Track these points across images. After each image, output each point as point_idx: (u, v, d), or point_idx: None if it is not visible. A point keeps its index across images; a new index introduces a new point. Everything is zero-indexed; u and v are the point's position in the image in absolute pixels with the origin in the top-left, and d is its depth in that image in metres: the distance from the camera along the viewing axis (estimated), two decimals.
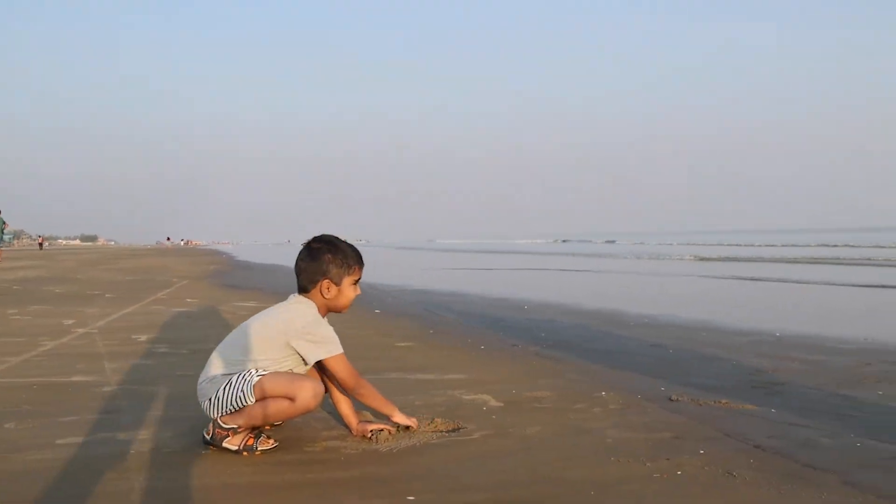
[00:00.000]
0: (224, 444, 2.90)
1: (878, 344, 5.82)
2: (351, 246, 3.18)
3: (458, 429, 3.26)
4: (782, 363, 4.91)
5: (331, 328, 3.07)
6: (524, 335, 6.42)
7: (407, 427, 3.17)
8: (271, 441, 2.97)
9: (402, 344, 5.98)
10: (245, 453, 2.89)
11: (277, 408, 2.87)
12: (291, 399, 2.85)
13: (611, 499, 2.36)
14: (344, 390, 3.12)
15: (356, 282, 3.15)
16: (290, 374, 2.93)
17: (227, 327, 6.82)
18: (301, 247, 3.18)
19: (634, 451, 2.88)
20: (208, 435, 2.94)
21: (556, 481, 2.54)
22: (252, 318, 3.15)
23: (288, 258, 33.30)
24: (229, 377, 2.91)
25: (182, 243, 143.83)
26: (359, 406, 3.23)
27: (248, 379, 2.88)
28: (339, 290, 3.10)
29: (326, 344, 3.01)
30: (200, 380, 3.02)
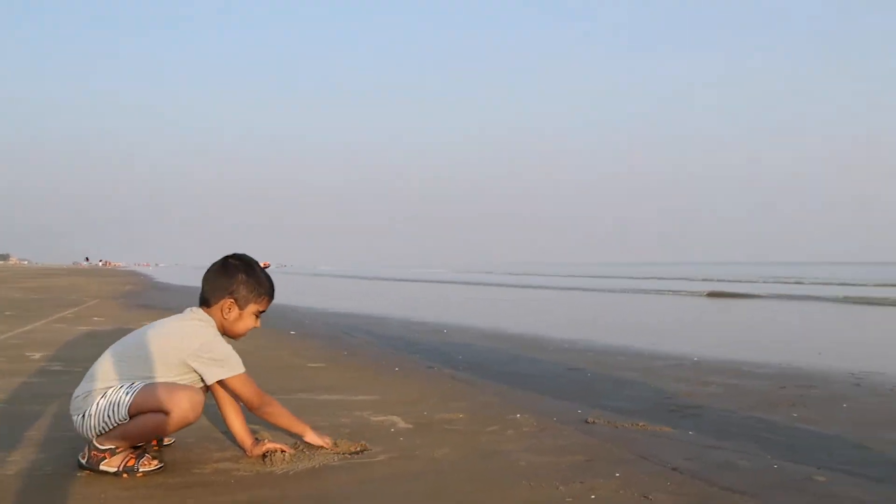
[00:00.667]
0: (101, 468, 2.60)
1: (792, 368, 5.84)
2: (268, 276, 2.94)
3: (363, 451, 3.04)
4: (699, 387, 4.85)
5: (229, 346, 2.81)
6: (441, 358, 6.24)
7: (319, 447, 2.95)
8: (155, 462, 2.68)
9: (314, 365, 5.72)
10: (125, 475, 2.60)
11: (154, 422, 2.58)
12: (167, 412, 2.57)
13: None
14: (250, 410, 2.85)
15: (260, 313, 2.91)
16: (165, 386, 2.62)
17: None
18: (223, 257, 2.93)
19: (547, 475, 2.70)
20: (83, 459, 2.64)
21: None
22: (144, 329, 2.84)
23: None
24: (104, 391, 2.61)
25: (100, 264, 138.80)
26: (268, 427, 2.99)
27: (121, 393, 2.59)
28: (239, 315, 2.85)
29: (227, 362, 2.73)
30: (76, 393, 2.69)
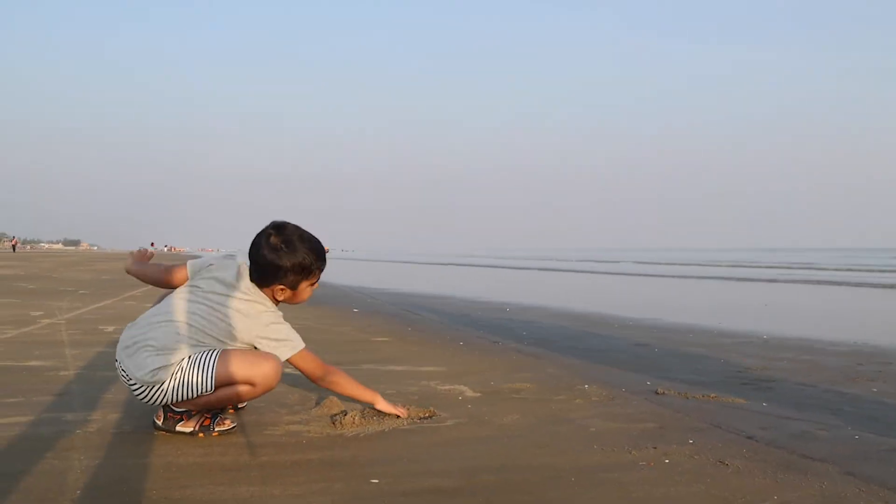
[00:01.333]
0: (178, 429, 2.66)
1: (868, 347, 5.66)
2: (313, 247, 2.80)
3: (431, 416, 3.05)
4: (771, 363, 4.73)
5: (288, 325, 2.77)
6: (505, 334, 6.23)
7: (397, 416, 2.98)
8: (228, 422, 2.73)
9: (379, 339, 5.77)
10: (201, 434, 2.66)
11: (238, 392, 2.63)
12: (252, 384, 2.61)
13: (591, 485, 2.16)
14: (314, 382, 2.86)
15: (315, 283, 2.86)
16: (246, 355, 2.63)
17: None
18: (264, 230, 2.80)
19: (618, 441, 2.68)
20: (159, 420, 2.69)
21: (531, 468, 2.33)
22: (202, 299, 2.72)
23: None
24: (179, 363, 2.60)
25: (166, 249, 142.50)
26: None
27: (202, 364, 2.60)
28: (293, 294, 2.81)
29: (289, 342, 2.73)
30: (145, 365, 2.59)
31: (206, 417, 2.70)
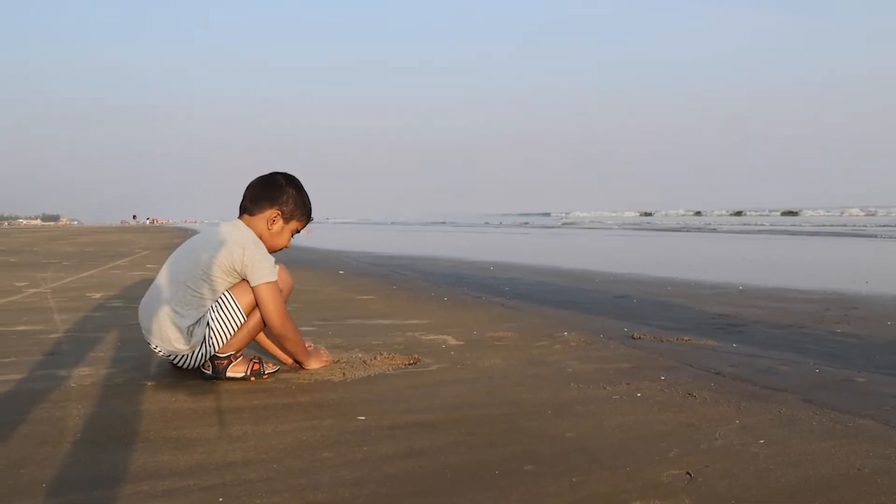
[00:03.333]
0: (229, 374, 2.82)
1: (837, 294, 5.83)
2: (309, 199, 3.04)
3: (416, 362, 3.18)
4: (745, 309, 4.89)
5: (269, 254, 2.89)
6: (488, 290, 6.35)
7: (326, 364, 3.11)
8: (272, 364, 2.93)
9: (365, 297, 5.89)
10: (253, 378, 2.82)
11: (259, 319, 2.86)
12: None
13: (568, 417, 2.30)
14: (269, 325, 2.88)
15: (295, 232, 3.02)
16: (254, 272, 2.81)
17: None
18: (261, 175, 3.00)
19: (594, 378, 2.83)
20: (208, 370, 2.83)
21: (512, 403, 2.47)
22: (193, 247, 2.93)
23: None
24: (203, 318, 2.79)
25: (148, 221, 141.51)
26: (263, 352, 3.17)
27: (226, 300, 2.80)
28: (281, 229, 2.94)
29: (262, 268, 2.81)
30: (153, 339, 2.82)
31: (255, 362, 2.86)
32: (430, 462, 1.87)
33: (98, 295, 6.07)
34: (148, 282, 7.40)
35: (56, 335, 3.97)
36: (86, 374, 2.95)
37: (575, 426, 2.18)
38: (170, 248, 16.72)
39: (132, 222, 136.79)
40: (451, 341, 3.70)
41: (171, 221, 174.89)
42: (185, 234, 38.28)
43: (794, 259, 11.20)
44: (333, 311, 4.94)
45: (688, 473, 1.78)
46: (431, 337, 3.83)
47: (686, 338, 3.72)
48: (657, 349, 3.44)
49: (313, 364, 3.03)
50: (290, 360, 3.06)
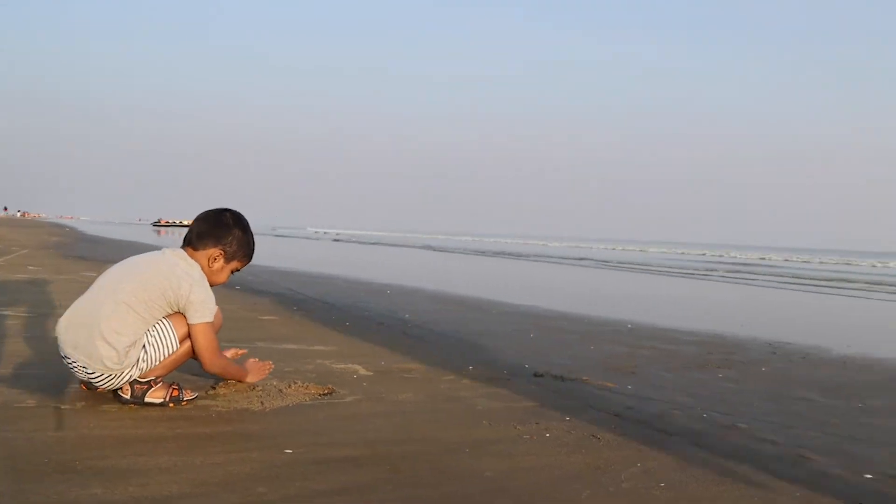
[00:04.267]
0: (147, 399, 2.80)
1: (717, 336, 6.25)
2: (253, 238, 3.14)
3: (331, 393, 3.26)
4: (636, 349, 5.19)
5: (210, 292, 2.95)
6: (389, 317, 6.45)
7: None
8: (190, 391, 2.93)
9: (267, 317, 5.88)
10: (171, 405, 2.82)
11: (188, 348, 2.91)
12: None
13: (484, 455, 2.44)
14: (201, 361, 2.94)
15: (235, 271, 3.10)
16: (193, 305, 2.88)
17: (76, 295, 6.43)
18: (211, 209, 3.10)
19: (504, 417, 2.98)
20: (126, 394, 2.81)
21: (429, 440, 2.60)
22: (133, 268, 2.93)
23: (141, 236, 32.17)
24: (139, 342, 2.80)
25: (19, 214, 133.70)
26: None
27: (163, 327, 2.85)
28: (221, 268, 3.02)
29: (204, 306, 2.88)
30: (103, 354, 2.74)
31: (175, 388, 2.85)
32: (360, 499, 1.97)
33: None
34: (36, 285, 7.11)
35: None
36: None
37: (493, 466, 2.33)
38: (49, 248, 15.98)
39: (2, 213, 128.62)
40: (362, 371, 3.79)
41: (44, 215, 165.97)
42: (62, 229, 36.58)
43: (666, 295, 11.83)
44: (239, 331, 4.92)
45: None
46: (341, 366, 3.90)
47: (585, 377, 3.95)
48: (559, 388, 3.64)
49: (251, 379, 3.18)
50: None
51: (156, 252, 3.01)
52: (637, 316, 7.65)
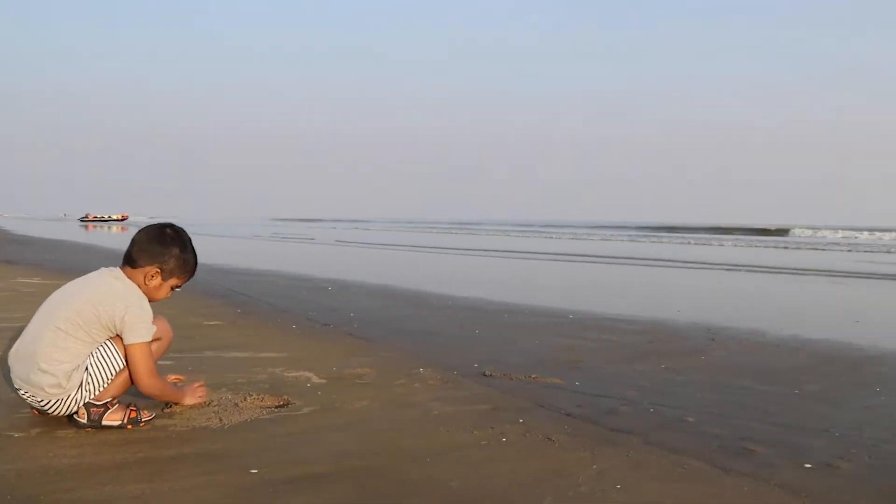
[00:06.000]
0: (105, 422, 2.81)
1: (656, 323, 6.45)
2: (195, 255, 3.12)
3: (286, 404, 3.28)
4: (580, 342, 5.33)
5: (149, 312, 2.94)
6: (334, 316, 6.46)
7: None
8: (147, 412, 2.93)
9: (212, 323, 5.83)
10: (129, 426, 2.82)
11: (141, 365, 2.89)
12: (156, 338, 2.99)
13: (446, 464, 2.51)
14: (137, 382, 2.90)
15: (175, 287, 3.09)
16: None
17: (15, 303, 6.27)
18: (160, 223, 3.09)
19: (460, 422, 3.05)
20: (83, 418, 2.81)
21: (391, 452, 2.65)
22: (72, 292, 2.92)
23: (69, 234, 31.17)
24: (82, 365, 2.80)
25: None
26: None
27: (107, 347, 2.86)
28: (159, 285, 3.00)
29: (142, 328, 2.88)
30: (38, 382, 2.75)
31: (132, 409, 2.86)
32: None
33: None
34: None
35: None
36: None
37: (456, 474, 2.40)
38: None
39: None
40: (314, 379, 3.81)
41: None
42: None
43: (603, 281, 12.11)
44: (185, 340, 4.86)
45: None
46: (293, 374, 3.91)
47: (533, 375, 4.04)
48: (510, 388, 3.73)
49: (188, 401, 3.14)
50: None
51: (93, 273, 3.01)
52: (578, 305, 7.82)
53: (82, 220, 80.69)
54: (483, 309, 7.29)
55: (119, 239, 27.61)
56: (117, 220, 77.97)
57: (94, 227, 47.93)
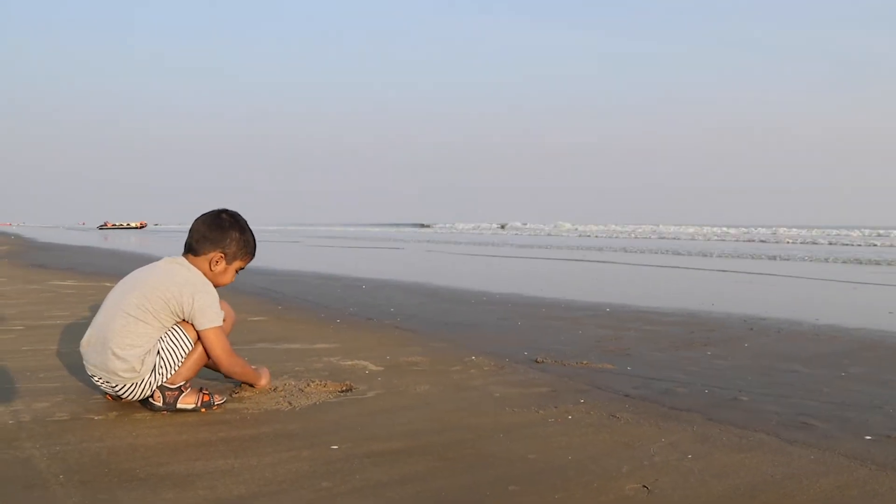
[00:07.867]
0: (179, 405, 2.91)
1: (693, 315, 6.50)
2: (253, 235, 3.22)
3: (351, 389, 3.38)
4: (622, 332, 5.39)
5: (216, 296, 3.05)
6: (375, 311, 6.56)
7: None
8: (219, 396, 3.04)
9: (256, 318, 5.94)
10: (203, 410, 2.93)
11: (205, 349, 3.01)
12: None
13: (520, 440, 2.59)
14: (217, 364, 3.06)
15: (239, 269, 3.18)
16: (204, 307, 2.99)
17: (57, 303, 6.42)
18: (216, 209, 3.17)
19: (523, 402, 3.14)
20: (158, 401, 2.91)
21: (464, 428, 2.74)
22: (140, 279, 3.03)
23: (91, 240, 31.47)
24: (154, 349, 2.90)
25: None
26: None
27: (176, 331, 2.95)
28: (224, 269, 3.10)
29: (212, 313, 2.99)
30: (114, 368, 2.86)
31: (205, 393, 2.97)
32: (424, 487, 2.11)
33: None
34: (10, 298, 7.03)
35: None
36: (19, 410, 2.92)
37: (532, 448, 2.49)
38: (2, 258, 15.66)
39: None
40: (371, 367, 3.91)
41: None
42: (7, 238, 35.51)
43: (630, 277, 12.15)
44: (234, 334, 4.96)
45: (644, 487, 2.12)
46: (349, 362, 4.01)
47: (584, 361, 4.12)
48: (564, 373, 3.81)
49: (263, 382, 3.26)
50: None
51: (157, 262, 3.11)
52: (611, 298, 7.88)
53: (101, 227, 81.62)
54: (519, 304, 7.37)
55: (138, 245, 27.93)
56: (136, 228, 78.85)
57: (113, 235, 48.33)
